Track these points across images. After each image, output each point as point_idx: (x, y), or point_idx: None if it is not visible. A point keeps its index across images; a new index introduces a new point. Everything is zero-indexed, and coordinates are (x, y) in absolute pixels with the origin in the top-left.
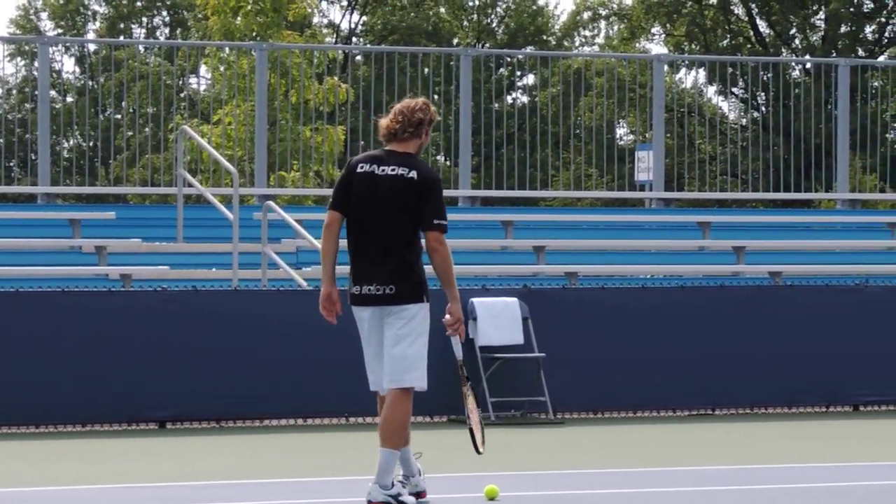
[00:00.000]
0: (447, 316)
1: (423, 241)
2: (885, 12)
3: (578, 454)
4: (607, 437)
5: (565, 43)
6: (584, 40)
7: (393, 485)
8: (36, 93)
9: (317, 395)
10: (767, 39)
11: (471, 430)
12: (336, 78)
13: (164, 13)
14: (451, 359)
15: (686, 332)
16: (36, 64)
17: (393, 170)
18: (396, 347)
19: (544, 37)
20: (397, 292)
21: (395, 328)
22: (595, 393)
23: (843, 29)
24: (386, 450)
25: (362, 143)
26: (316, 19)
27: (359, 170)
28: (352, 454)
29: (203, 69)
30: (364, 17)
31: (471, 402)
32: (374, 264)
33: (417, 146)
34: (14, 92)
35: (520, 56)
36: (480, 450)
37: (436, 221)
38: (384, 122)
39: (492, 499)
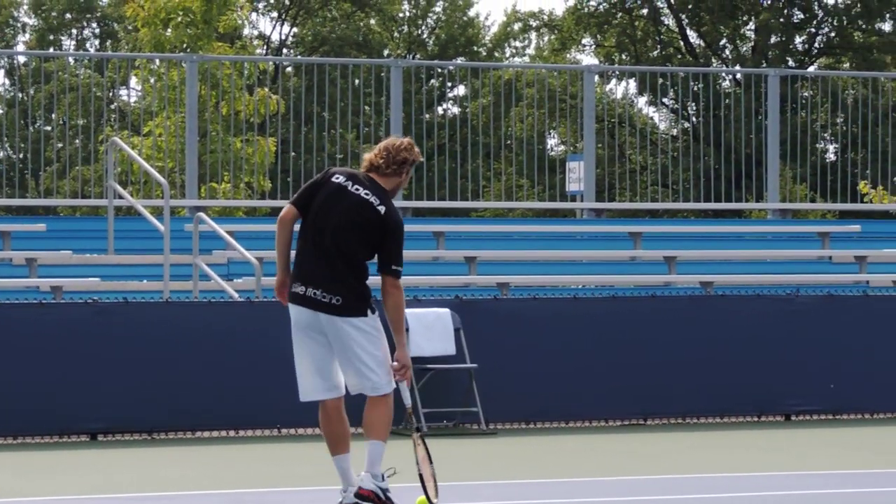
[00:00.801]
0: (394, 363)
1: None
2: (814, 23)
3: (511, 465)
4: (539, 448)
5: (496, 54)
6: (514, 51)
7: (384, 478)
8: None
9: (249, 407)
10: (698, 50)
11: (421, 477)
12: (266, 89)
13: (94, 25)
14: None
15: (618, 341)
16: None
17: (366, 193)
18: (357, 359)
19: (475, 48)
20: (343, 304)
21: (346, 347)
22: (527, 403)
23: (773, 39)
24: (373, 441)
25: (294, 154)
26: (246, 31)
27: (333, 179)
28: (284, 466)
29: (133, 81)
30: (294, 29)
31: (420, 452)
32: (323, 272)
33: (395, 185)
34: None
35: (450, 67)
36: (434, 501)
37: (394, 267)
38: (368, 155)
39: None
